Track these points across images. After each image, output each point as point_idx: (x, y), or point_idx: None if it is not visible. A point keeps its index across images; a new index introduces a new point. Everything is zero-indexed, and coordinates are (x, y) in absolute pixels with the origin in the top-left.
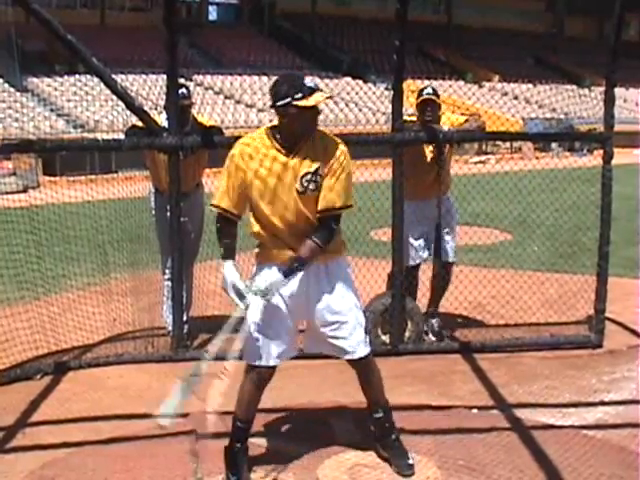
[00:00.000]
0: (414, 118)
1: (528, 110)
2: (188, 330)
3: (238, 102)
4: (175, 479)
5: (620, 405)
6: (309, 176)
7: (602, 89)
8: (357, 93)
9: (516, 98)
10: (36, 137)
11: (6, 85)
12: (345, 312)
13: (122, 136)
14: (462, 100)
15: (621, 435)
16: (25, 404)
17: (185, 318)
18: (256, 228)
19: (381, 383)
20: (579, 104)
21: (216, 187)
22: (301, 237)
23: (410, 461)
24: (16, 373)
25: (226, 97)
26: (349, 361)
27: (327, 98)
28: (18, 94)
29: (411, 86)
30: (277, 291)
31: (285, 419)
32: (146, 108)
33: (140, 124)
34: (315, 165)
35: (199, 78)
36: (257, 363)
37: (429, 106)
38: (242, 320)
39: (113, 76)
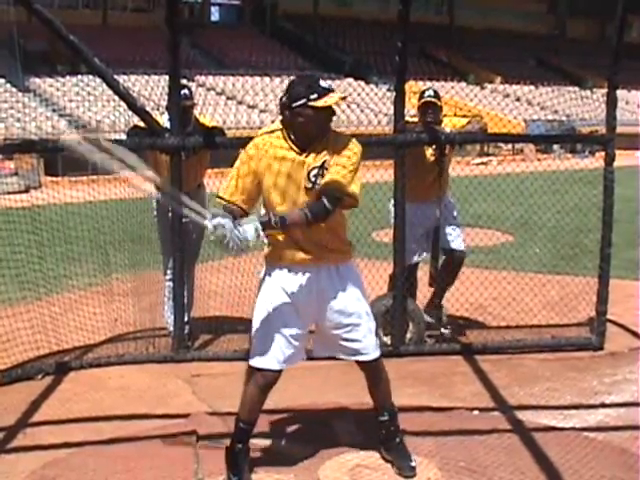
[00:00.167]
0: (416, 119)
1: (530, 112)
2: (189, 331)
3: (240, 103)
4: None
5: (621, 407)
6: (316, 170)
7: (604, 91)
8: (359, 94)
9: (518, 100)
10: (38, 137)
11: (8, 85)
12: (358, 314)
13: (124, 136)
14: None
15: (622, 437)
16: (26, 404)
17: (186, 319)
18: None
19: (389, 386)
20: (581, 106)
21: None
22: (313, 238)
23: (412, 463)
24: (17, 373)
25: (228, 98)
26: (359, 363)
27: (342, 99)
28: (20, 94)
29: (413, 87)
30: (239, 235)
31: (287, 420)
32: (148, 109)
33: (142, 125)
34: (323, 159)
35: (201, 79)
36: (263, 366)
37: (430, 108)
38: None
39: (115, 76)
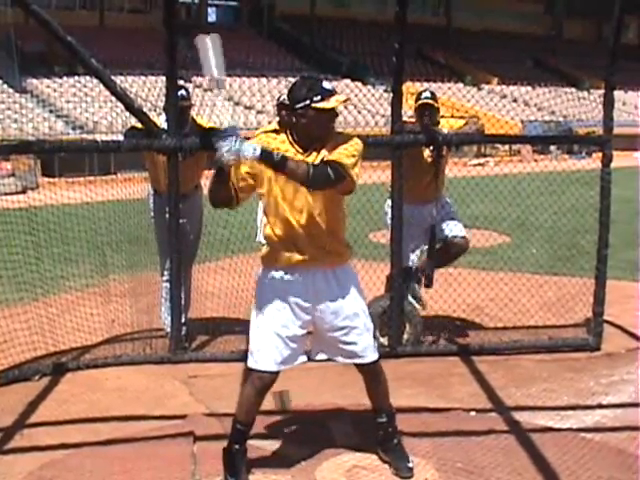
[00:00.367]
0: (413, 120)
1: (527, 113)
2: (186, 332)
3: (237, 104)
4: None
5: (618, 408)
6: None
7: (601, 92)
8: (356, 95)
9: (515, 101)
10: (35, 138)
11: (5, 86)
12: (356, 317)
13: (121, 137)
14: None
15: (619, 438)
16: (23, 405)
17: (183, 320)
18: (268, 230)
19: (387, 388)
20: (578, 107)
21: None
22: (312, 240)
23: (410, 464)
24: (14, 374)
25: (225, 99)
26: (358, 366)
27: (344, 101)
28: (17, 95)
29: (410, 88)
30: (237, 150)
31: (284, 421)
32: (145, 109)
33: (139, 125)
34: (322, 156)
35: (198, 79)
36: (260, 368)
37: (427, 110)
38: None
39: (112, 77)
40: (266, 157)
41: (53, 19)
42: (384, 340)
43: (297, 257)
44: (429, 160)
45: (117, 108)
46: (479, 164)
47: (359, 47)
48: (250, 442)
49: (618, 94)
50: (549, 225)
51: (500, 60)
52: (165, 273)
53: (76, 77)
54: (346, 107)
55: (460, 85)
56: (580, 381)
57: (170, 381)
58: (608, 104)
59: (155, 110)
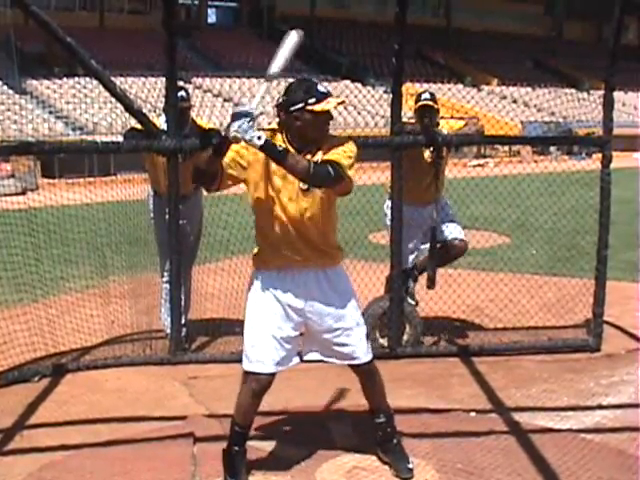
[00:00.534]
0: (413, 121)
1: (527, 114)
2: (186, 333)
3: (237, 105)
4: None
5: (618, 409)
6: None
7: (601, 93)
8: (356, 96)
9: (515, 102)
10: (35, 139)
11: (5, 87)
12: (348, 318)
13: (121, 138)
14: (461, 103)
15: (619, 439)
16: (23, 406)
17: (183, 321)
18: (259, 231)
19: (383, 388)
20: (578, 108)
21: None
22: (305, 243)
23: (410, 465)
24: (14, 375)
25: (225, 100)
26: (352, 367)
27: (340, 104)
28: (17, 96)
29: (410, 89)
30: (245, 129)
31: (283, 422)
32: (145, 111)
33: (139, 126)
34: (317, 158)
35: (198, 81)
36: (256, 370)
37: (427, 111)
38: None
39: (112, 78)
40: (269, 147)
41: (53, 20)
42: (384, 341)
43: (288, 258)
44: (429, 161)
45: (117, 109)
46: (479, 165)
47: (359, 48)
48: (250, 443)
49: (618, 95)
50: (549, 226)
51: (500, 61)
52: (165, 274)
53: (76, 78)
54: (346, 108)
55: (460, 86)
56: (580, 382)
57: (170, 382)
58: (608, 105)
59: (155, 111)
